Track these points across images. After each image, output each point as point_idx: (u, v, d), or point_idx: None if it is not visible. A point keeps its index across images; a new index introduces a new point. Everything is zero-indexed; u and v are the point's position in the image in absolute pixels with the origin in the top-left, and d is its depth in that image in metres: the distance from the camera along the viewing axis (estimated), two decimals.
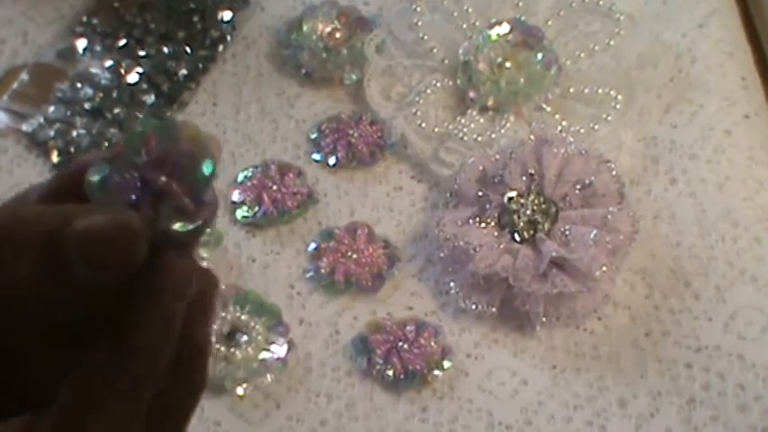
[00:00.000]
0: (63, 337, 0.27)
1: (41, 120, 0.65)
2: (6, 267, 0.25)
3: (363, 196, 0.62)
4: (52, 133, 0.64)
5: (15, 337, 0.27)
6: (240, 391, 0.55)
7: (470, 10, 0.64)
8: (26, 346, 0.27)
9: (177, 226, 0.27)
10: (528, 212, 0.56)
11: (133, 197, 0.27)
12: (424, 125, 0.62)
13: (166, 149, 0.27)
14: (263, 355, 0.55)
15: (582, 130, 0.61)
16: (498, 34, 0.61)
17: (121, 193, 0.27)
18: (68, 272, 0.25)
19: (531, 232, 0.56)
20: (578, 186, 0.57)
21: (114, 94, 0.65)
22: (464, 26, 0.64)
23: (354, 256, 0.59)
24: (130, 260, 0.26)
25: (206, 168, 0.27)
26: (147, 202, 0.27)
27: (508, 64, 0.61)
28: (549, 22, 0.64)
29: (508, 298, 0.56)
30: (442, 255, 0.58)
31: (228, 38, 0.68)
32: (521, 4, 0.65)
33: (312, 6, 0.67)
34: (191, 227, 0.27)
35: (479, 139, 0.61)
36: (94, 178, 0.27)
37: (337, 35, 0.65)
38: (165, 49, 0.67)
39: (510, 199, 0.56)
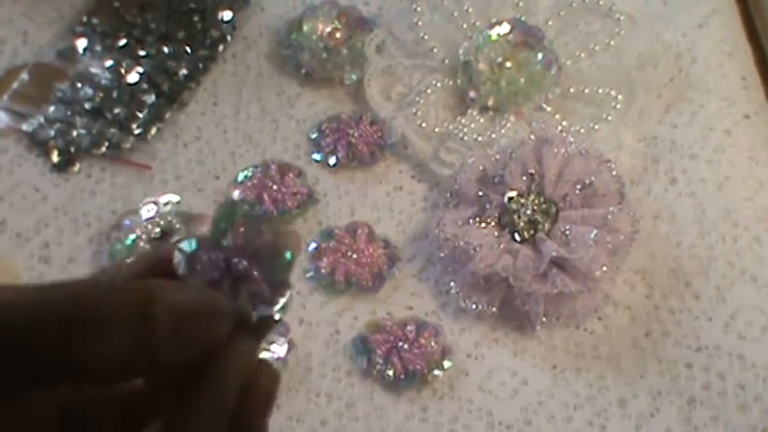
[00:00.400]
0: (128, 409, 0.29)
1: (42, 119, 0.65)
2: (96, 342, 0.25)
3: (363, 196, 0.62)
4: (52, 133, 0.64)
5: (90, 410, 0.28)
6: None
7: (471, 10, 0.64)
8: (99, 418, 0.29)
9: (255, 310, 0.28)
10: (528, 212, 0.56)
11: (216, 275, 0.28)
12: (424, 125, 0.62)
13: (252, 238, 0.29)
14: (264, 354, 0.55)
15: (582, 130, 0.61)
16: (498, 34, 0.61)
17: (206, 271, 0.28)
18: (155, 348, 0.25)
19: (532, 232, 0.56)
20: (578, 186, 0.57)
21: (114, 94, 0.65)
22: (464, 26, 0.64)
23: (354, 255, 0.59)
24: (215, 338, 0.26)
25: (285, 260, 0.29)
26: (227, 283, 0.28)
27: (508, 64, 0.61)
28: (550, 22, 0.64)
29: (508, 298, 0.56)
30: (442, 255, 0.58)
31: (229, 38, 0.68)
32: (521, 4, 0.65)
33: (312, 6, 0.67)
34: (266, 313, 0.29)
35: (479, 138, 0.61)
36: (184, 251, 0.28)
37: (337, 35, 0.65)
38: (166, 49, 0.67)
39: (510, 199, 0.57)
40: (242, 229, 0.29)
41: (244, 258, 0.28)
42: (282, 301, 0.29)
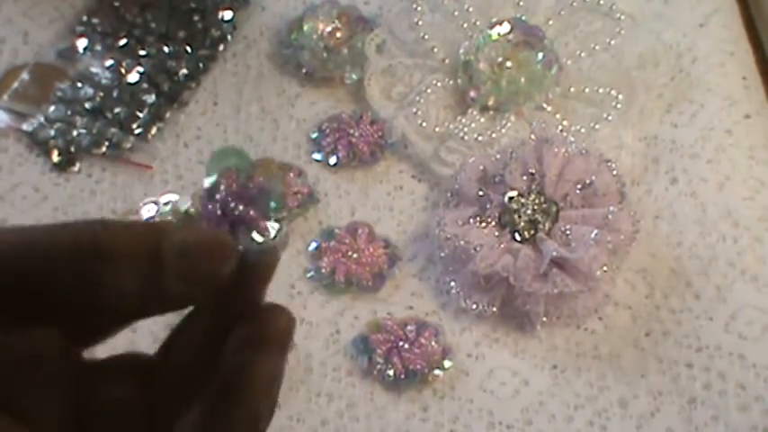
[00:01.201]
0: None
1: (42, 119, 0.64)
2: (109, 278, 0.26)
3: (364, 196, 0.62)
4: (53, 133, 0.64)
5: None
6: None
7: (471, 9, 0.64)
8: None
9: (256, 240, 0.29)
10: (528, 212, 0.56)
11: (214, 223, 0.29)
12: (424, 125, 0.62)
13: (244, 183, 0.30)
14: None
15: (583, 130, 0.61)
16: (499, 34, 0.61)
17: (203, 220, 0.29)
18: (165, 283, 0.26)
19: (532, 232, 0.56)
20: (579, 186, 0.57)
21: (115, 94, 0.65)
22: (465, 26, 0.64)
23: (355, 255, 0.59)
24: (222, 272, 0.27)
25: (276, 201, 0.30)
26: (224, 227, 0.29)
27: (509, 63, 0.61)
28: (550, 22, 0.64)
29: (509, 298, 0.56)
30: (442, 254, 0.58)
31: (229, 37, 0.68)
32: (521, 3, 0.65)
33: (313, 6, 0.67)
34: (264, 240, 0.30)
35: (480, 138, 0.61)
36: (182, 208, 0.30)
37: (338, 35, 0.65)
38: (166, 49, 0.67)
39: (510, 198, 0.56)
40: (233, 177, 0.30)
41: (239, 203, 0.29)
42: (276, 228, 0.30)
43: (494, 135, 0.61)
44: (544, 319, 0.56)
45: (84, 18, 0.69)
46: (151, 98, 0.65)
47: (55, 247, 0.25)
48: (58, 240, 0.25)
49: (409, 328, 0.56)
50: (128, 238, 0.26)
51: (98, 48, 0.67)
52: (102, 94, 0.65)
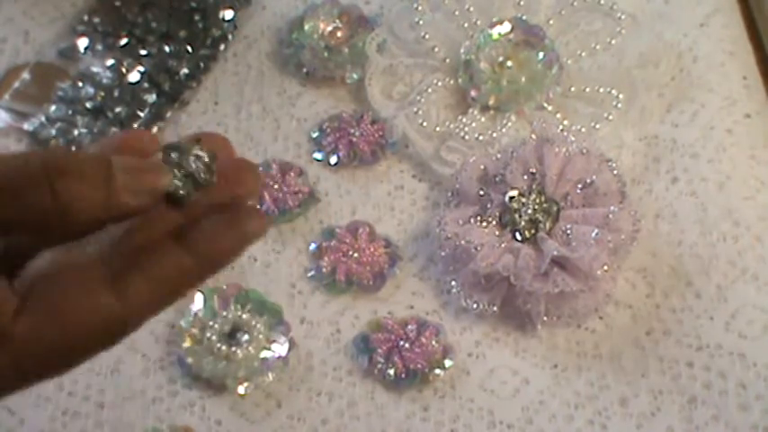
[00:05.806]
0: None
1: (43, 119, 0.65)
2: (74, 187, 0.30)
3: (365, 195, 0.62)
4: (54, 132, 0.64)
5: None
6: (241, 390, 0.55)
7: (472, 9, 0.64)
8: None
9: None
10: (529, 211, 0.56)
11: None
12: (425, 124, 0.62)
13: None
14: (265, 353, 0.55)
15: (583, 129, 0.61)
16: (500, 33, 0.61)
17: None
18: (118, 194, 0.31)
19: (533, 231, 0.56)
20: (579, 185, 0.57)
21: (116, 93, 0.65)
22: (465, 25, 0.64)
23: (356, 255, 0.59)
24: (161, 186, 0.32)
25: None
26: None
27: (510, 63, 0.61)
28: (551, 21, 0.64)
29: (509, 297, 0.56)
30: (443, 254, 0.58)
31: (230, 37, 0.68)
32: (522, 2, 0.65)
33: (313, 5, 0.67)
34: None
35: (481, 138, 0.61)
36: None
37: (339, 34, 0.65)
38: (167, 48, 0.67)
39: (511, 198, 0.57)
40: None
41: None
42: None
43: (494, 134, 0.61)
44: (545, 318, 0.56)
45: (85, 17, 0.69)
46: (152, 98, 0.65)
47: (28, 160, 0.30)
48: (30, 156, 0.30)
49: (410, 327, 0.56)
50: (84, 160, 0.31)
51: (99, 47, 0.67)
52: (103, 93, 0.65)
